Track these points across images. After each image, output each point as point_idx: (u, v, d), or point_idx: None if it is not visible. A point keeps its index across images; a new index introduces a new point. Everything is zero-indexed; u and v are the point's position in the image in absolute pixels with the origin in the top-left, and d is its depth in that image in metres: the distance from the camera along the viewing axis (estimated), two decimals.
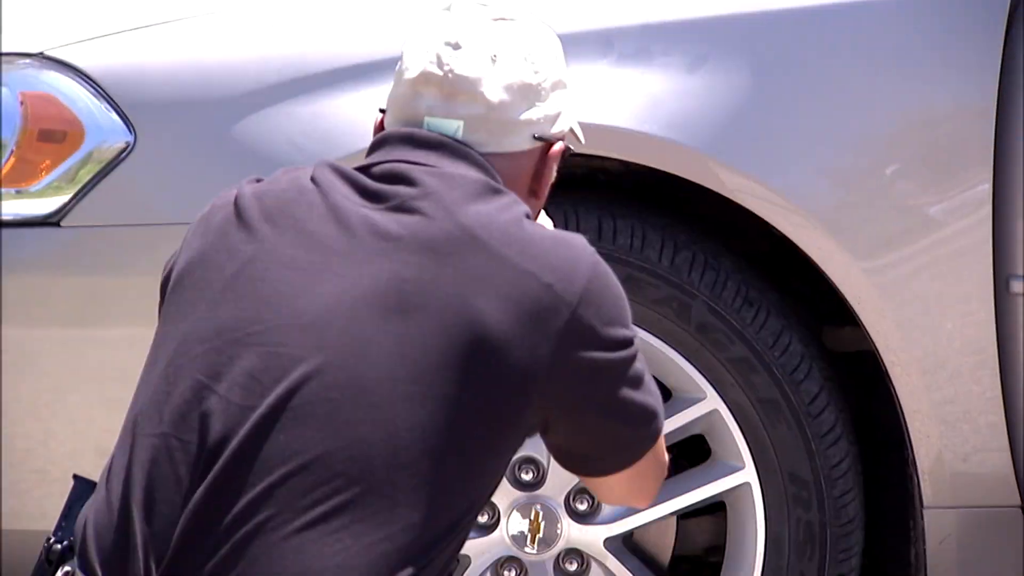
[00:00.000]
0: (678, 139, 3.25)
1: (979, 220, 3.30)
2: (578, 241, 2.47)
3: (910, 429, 3.34)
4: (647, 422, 2.56)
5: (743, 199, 3.28)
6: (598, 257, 2.47)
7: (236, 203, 2.56)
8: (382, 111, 2.64)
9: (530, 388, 2.41)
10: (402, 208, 2.46)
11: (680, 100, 3.28)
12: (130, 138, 3.34)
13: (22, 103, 3.37)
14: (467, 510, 2.47)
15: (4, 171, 3.38)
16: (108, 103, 3.36)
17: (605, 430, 2.57)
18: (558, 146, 2.59)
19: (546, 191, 2.62)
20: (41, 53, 3.43)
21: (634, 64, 3.31)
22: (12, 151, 3.37)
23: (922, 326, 3.34)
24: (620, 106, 3.28)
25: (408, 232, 2.44)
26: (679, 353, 3.35)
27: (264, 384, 2.39)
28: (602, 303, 2.44)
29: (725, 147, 3.29)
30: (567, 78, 2.66)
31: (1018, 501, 3.43)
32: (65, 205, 3.34)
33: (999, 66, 3.30)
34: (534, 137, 2.58)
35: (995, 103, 3.30)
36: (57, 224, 3.35)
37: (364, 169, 2.54)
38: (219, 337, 2.49)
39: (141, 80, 3.43)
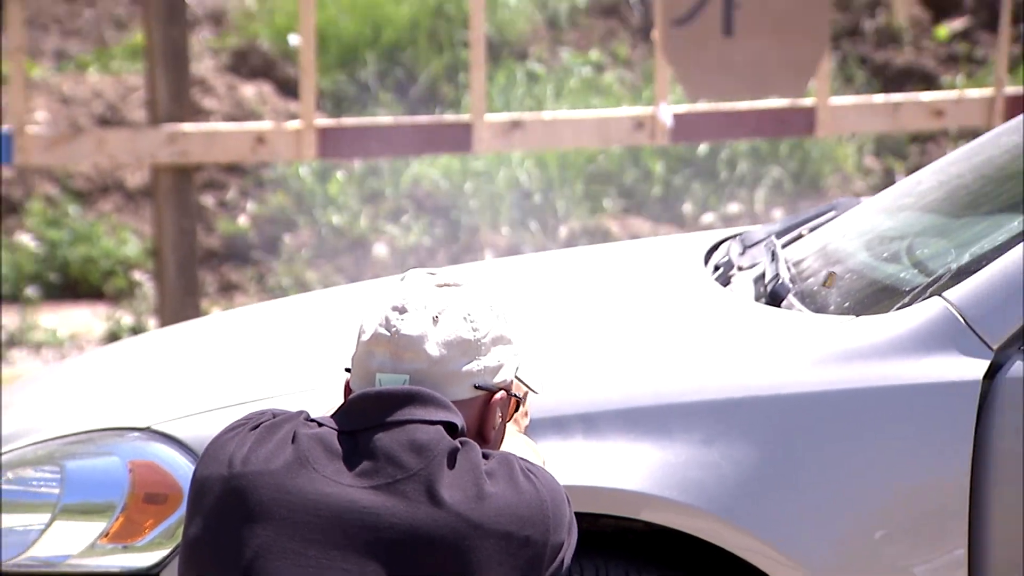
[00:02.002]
0: (695, 503, 3.42)
1: (950, 569, 3.43)
2: (542, 479, 2.93)
3: None
4: None
5: (751, 557, 3.44)
6: (556, 489, 2.94)
7: (233, 483, 2.91)
8: (348, 370, 3.04)
9: None
10: (388, 489, 2.87)
11: (696, 470, 3.44)
12: None
13: (130, 470, 3.60)
14: None
15: (113, 529, 3.58)
16: None
17: None
18: (499, 394, 2.97)
19: (492, 435, 3.01)
20: (148, 428, 3.65)
21: (662, 439, 3.47)
22: (121, 512, 3.58)
23: None
24: (649, 478, 3.44)
25: (398, 520, 2.84)
26: None
27: None
28: (562, 520, 2.92)
29: (736, 511, 3.43)
30: (510, 334, 3.02)
31: None
32: (164, 559, 3.53)
33: (971, 448, 3.42)
34: (475, 386, 2.97)
35: (968, 479, 3.43)
36: (158, 575, 3.52)
37: (352, 433, 2.95)
38: None
39: None
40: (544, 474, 3.00)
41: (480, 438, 3.04)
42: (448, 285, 3.05)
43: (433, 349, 2.98)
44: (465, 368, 3.01)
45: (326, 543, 2.89)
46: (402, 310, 3.00)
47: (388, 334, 2.99)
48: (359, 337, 3.04)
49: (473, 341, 3.01)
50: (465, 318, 3.01)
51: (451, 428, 2.95)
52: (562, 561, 2.95)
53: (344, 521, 2.89)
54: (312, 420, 3.03)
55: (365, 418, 2.98)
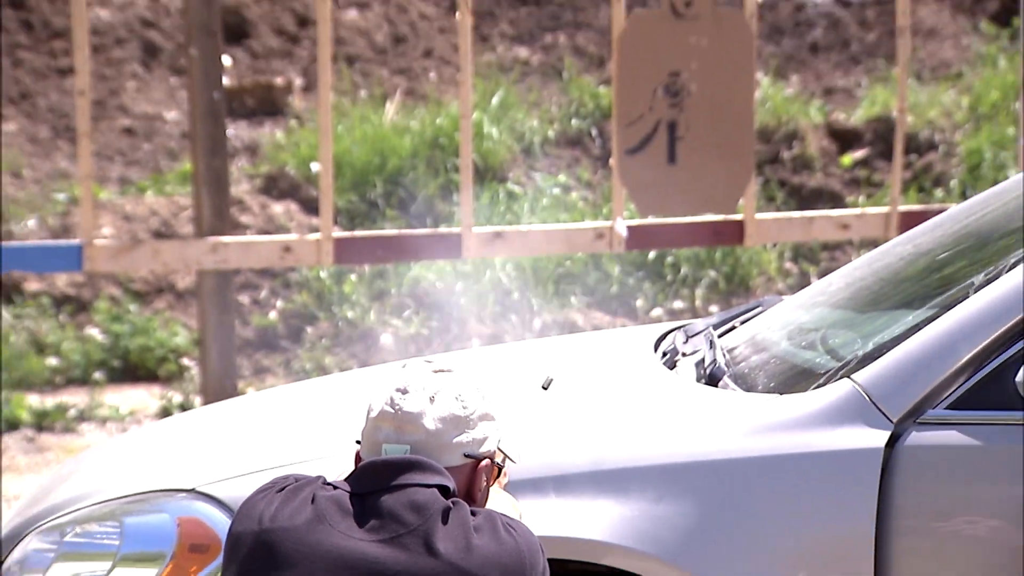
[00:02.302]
0: (647, 551, 3.41)
1: None
2: (522, 535, 2.96)
3: None
4: None
5: None
6: (532, 541, 2.96)
7: (263, 536, 2.95)
8: (358, 442, 3.08)
9: None
10: (392, 542, 2.89)
11: (648, 523, 3.43)
12: None
13: (178, 525, 3.58)
14: None
15: (164, 574, 3.54)
16: None
17: None
18: (485, 462, 3.01)
19: (479, 495, 3.03)
20: (193, 489, 3.62)
21: (619, 498, 3.46)
22: (170, 560, 3.55)
23: None
24: (611, 529, 3.43)
25: (401, 568, 2.87)
26: None
27: None
28: (537, 567, 2.94)
29: (679, 556, 3.42)
30: (494, 412, 3.06)
31: None
32: None
33: (876, 504, 3.40)
34: (464, 455, 3.01)
35: (873, 530, 3.40)
36: None
37: (362, 496, 2.97)
38: None
39: None
40: (522, 527, 3.02)
41: (468, 498, 3.06)
42: (442, 371, 3.09)
43: (430, 423, 3.02)
44: (456, 440, 3.04)
45: None
46: (404, 391, 3.04)
47: (392, 411, 3.03)
48: (368, 415, 3.07)
49: (463, 417, 3.05)
50: (456, 398, 3.05)
51: (444, 490, 2.98)
52: None
53: (355, 570, 2.92)
54: (328, 484, 3.06)
55: (373, 482, 3.02)
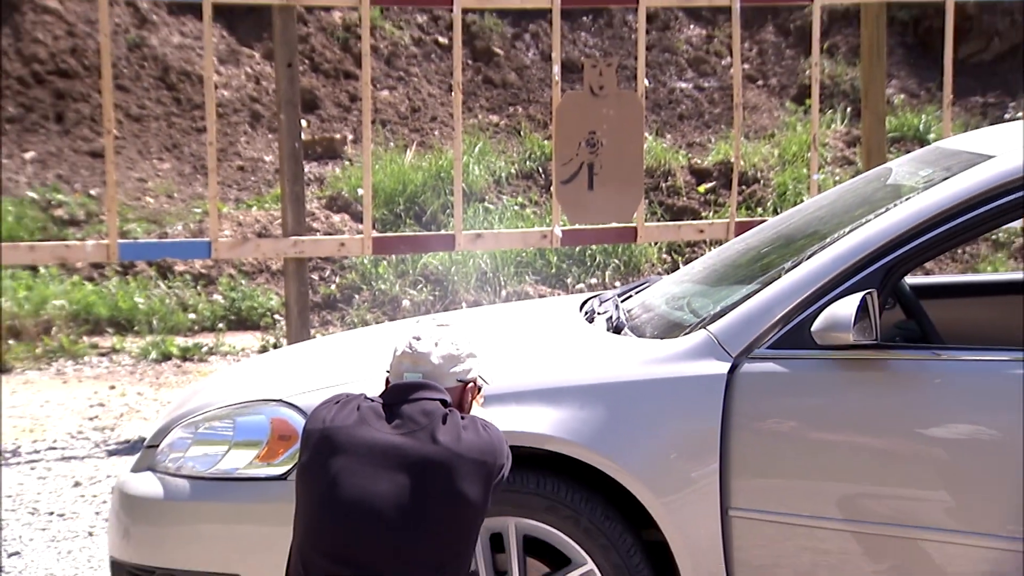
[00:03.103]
0: (574, 439, 3.37)
1: (710, 477, 3.35)
2: (494, 430, 2.99)
3: (682, 574, 3.38)
4: None
5: (602, 466, 3.38)
6: (500, 435, 3.01)
7: (325, 432, 2.99)
8: (387, 372, 3.12)
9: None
10: (410, 435, 2.94)
11: (574, 422, 3.39)
12: None
13: (271, 422, 3.56)
14: None
15: (262, 454, 3.53)
16: None
17: None
18: (470, 384, 3.06)
19: (466, 407, 3.05)
20: (281, 399, 3.60)
21: (555, 405, 3.41)
22: (266, 444, 3.54)
23: (689, 531, 3.36)
24: (548, 426, 3.38)
25: (415, 452, 2.91)
26: (574, 541, 3.40)
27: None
28: (503, 451, 2.98)
29: (594, 443, 3.38)
30: (476, 351, 3.09)
31: None
32: (289, 470, 3.44)
33: (721, 408, 3.33)
34: (457, 380, 3.07)
35: (719, 425, 3.32)
36: (285, 478, 3.43)
37: (390, 405, 3.00)
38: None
39: None
40: (493, 427, 3.07)
41: (460, 408, 3.09)
42: (443, 325, 3.14)
43: (435, 359, 3.09)
44: (452, 370, 3.10)
45: (376, 465, 2.94)
46: (418, 338, 3.10)
47: (410, 351, 3.09)
48: (394, 354, 3.11)
49: (456, 355, 3.12)
50: (452, 343, 3.11)
51: (444, 403, 3.04)
52: (503, 475, 3.02)
53: (386, 453, 2.95)
54: (368, 398, 3.08)
55: (397, 397, 3.06)
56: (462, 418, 3.01)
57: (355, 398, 3.10)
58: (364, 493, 2.92)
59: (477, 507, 2.95)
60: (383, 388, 3.16)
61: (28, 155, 11.30)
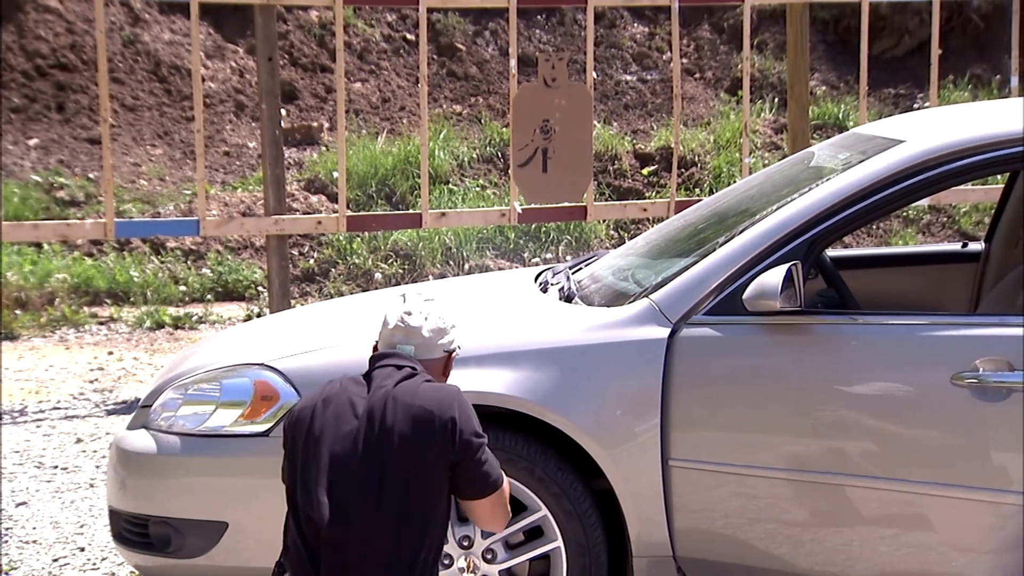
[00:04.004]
0: (529, 398, 3.36)
1: (652, 431, 3.30)
2: (450, 388, 2.86)
3: (627, 520, 3.37)
4: (496, 476, 2.87)
5: (555, 422, 3.36)
6: (460, 393, 2.84)
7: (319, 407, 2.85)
8: (376, 344, 3.00)
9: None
10: (377, 392, 2.82)
11: (529, 382, 3.37)
12: (299, 398, 3.31)
13: (254, 384, 3.52)
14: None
15: (245, 413, 3.49)
16: (289, 383, 3.48)
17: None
18: (454, 353, 2.97)
19: (450, 373, 2.97)
20: (263, 363, 3.56)
21: (512, 368, 3.39)
22: (249, 405, 3.50)
23: (634, 479, 3.34)
24: (507, 386, 3.37)
25: (378, 404, 2.79)
26: (530, 490, 3.39)
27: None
28: (466, 412, 2.81)
29: (548, 401, 3.36)
30: (457, 324, 3.00)
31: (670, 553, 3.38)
32: (271, 427, 3.42)
33: (662, 369, 3.31)
34: (444, 350, 2.97)
35: (660, 385, 3.33)
36: (267, 435, 3.42)
37: (369, 372, 2.90)
38: None
39: (305, 371, 3.49)
40: (453, 387, 2.96)
41: (444, 373, 3.01)
42: (430, 300, 3.02)
43: (426, 332, 2.98)
44: (439, 342, 3.00)
45: (350, 433, 2.85)
46: (408, 313, 2.98)
47: (403, 325, 2.97)
48: (385, 325, 3.00)
49: (443, 328, 3.01)
50: (439, 317, 3.00)
51: (413, 371, 2.90)
52: (459, 430, 2.85)
53: (355, 406, 2.86)
54: (352, 378, 2.95)
55: (379, 361, 2.96)
56: (428, 381, 2.89)
57: (333, 389, 2.92)
58: (341, 459, 2.79)
59: (429, 462, 2.78)
60: (371, 352, 3.05)
61: (32, 142, 11.16)
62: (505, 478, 2.95)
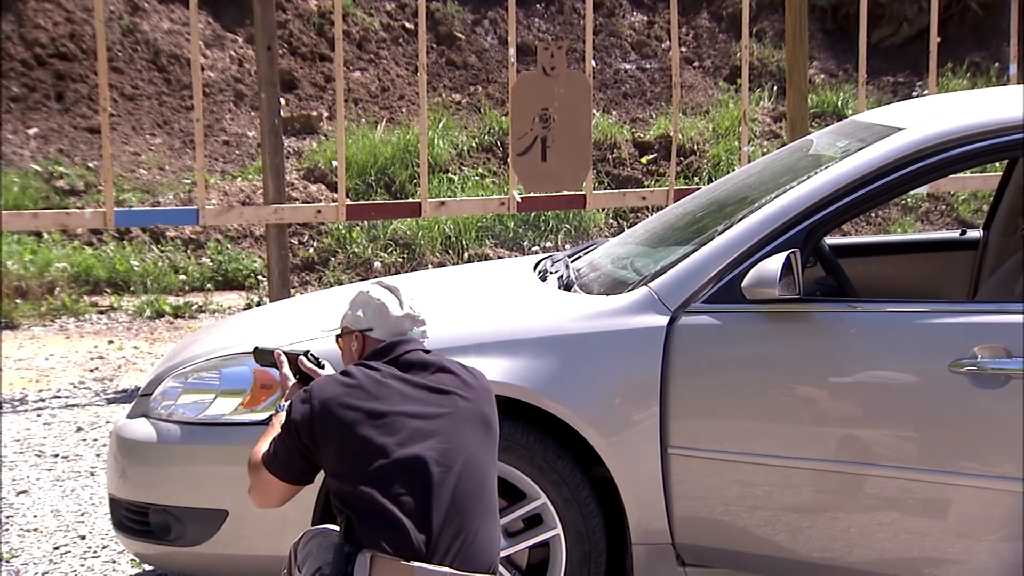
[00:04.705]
0: (529, 387, 3.35)
1: (651, 419, 3.30)
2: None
3: (626, 507, 3.37)
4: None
5: (555, 411, 3.36)
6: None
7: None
8: (363, 332, 2.94)
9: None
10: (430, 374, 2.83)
11: (529, 371, 3.36)
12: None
13: (254, 372, 3.53)
14: None
15: (245, 401, 3.50)
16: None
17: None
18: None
19: None
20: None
21: (512, 356, 3.39)
22: (249, 393, 3.51)
23: (633, 467, 3.34)
24: (506, 375, 3.35)
25: (451, 379, 2.84)
26: (529, 478, 3.38)
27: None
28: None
29: (548, 390, 3.35)
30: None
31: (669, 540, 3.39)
32: (270, 416, 3.26)
33: (661, 357, 3.31)
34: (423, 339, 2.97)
35: (659, 373, 3.30)
36: (266, 423, 3.22)
37: (396, 357, 2.87)
38: None
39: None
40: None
41: None
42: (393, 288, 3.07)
43: (423, 319, 2.99)
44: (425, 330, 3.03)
45: (428, 403, 2.85)
46: (412, 299, 3.00)
47: (413, 312, 2.96)
48: (392, 313, 2.96)
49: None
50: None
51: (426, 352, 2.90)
52: None
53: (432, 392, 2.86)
54: (362, 364, 2.92)
55: (409, 344, 2.94)
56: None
57: (369, 372, 2.86)
58: (422, 418, 2.77)
59: (494, 427, 2.94)
60: (378, 346, 2.95)
61: (32, 131, 11.14)
62: None
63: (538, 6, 13.85)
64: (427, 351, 2.93)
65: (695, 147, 11.86)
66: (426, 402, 2.79)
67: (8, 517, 4.93)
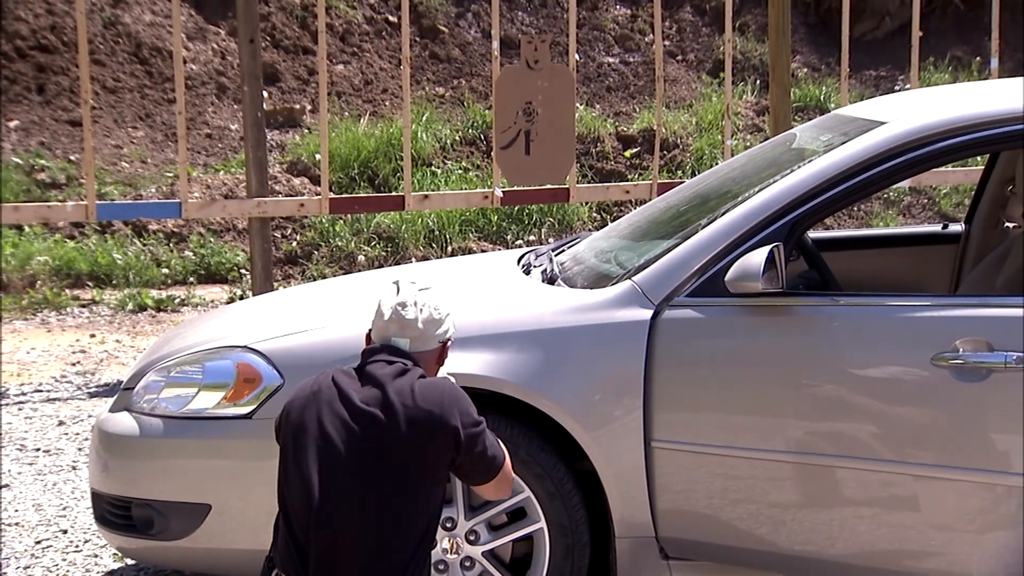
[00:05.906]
0: (511, 380, 3.36)
1: (635, 412, 3.31)
2: (444, 384, 2.80)
3: (610, 501, 3.38)
4: (499, 456, 2.85)
5: (537, 403, 3.36)
6: (454, 386, 2.80)
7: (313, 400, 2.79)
8: (369, 332, 2.93)
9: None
10: (369, 387, 2.76)
11: (512, 364, 3.37)
12: (281, 381, 3.43)
13: (236, 366, 3.51)
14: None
15: (228, 395, 3.48)
16: (272, 365, 3.47)
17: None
18: (448, 342, 2.90)
19: (445, 361, 2.91)
20: (246, 345, 3.55)
21: (495, 350, 3.40)
22: (232, 387, 3.49)
23: (616, 461, 3.34)
24: (489, 368, 3.37)
25: (372, 399, 2.73)
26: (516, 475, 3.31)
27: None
28: (464, 408, 2.77)
29: (531, 383, 3.35)
30: (451, 314, 2.94)
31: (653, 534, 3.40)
32: (253, 410, 3.43)
33: (644, 351, 3.30)
34: (439, 341, 2.90)
35: (643, 367, 3.30)
36: (250, 417, 3.43)
37: (362, 367, 2.82)
38: None
39: (288, 354, 3.50)
40: (448, 382, 2.91)
41: (439, 362, 2.96)
42: (425, 290, 2.94)
43: (420, 325, 2.89)
44: (434, 333, 2.92)
45: (345, 430, 2.80)
46: (403, 306, 2.89)
47: (397, 319, 2.88)
48: (380, 317, 2.91)
49: (437, 319, 2.93)
50: (434, 308, 2.92)
51: (406, 367, 2.83)
52: (461, 434, 2.83)
53: (350, 399, 2.82)
54: (343, 370, 2.89)
55: (371, 356, 2.89)
56: (422, 376, 2.84)
57: (325, 381, 2.85)
58: (332, 454, 2.73)
59: (428, 461, 2.76)
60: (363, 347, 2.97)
61: (12, 124, 11.08)
62: (504, 450, 2.94)
63: None
64: (391, 362, 2.83)
65: (678, 141, 11.87)
66: (343, 428, 2.73)
67: None
